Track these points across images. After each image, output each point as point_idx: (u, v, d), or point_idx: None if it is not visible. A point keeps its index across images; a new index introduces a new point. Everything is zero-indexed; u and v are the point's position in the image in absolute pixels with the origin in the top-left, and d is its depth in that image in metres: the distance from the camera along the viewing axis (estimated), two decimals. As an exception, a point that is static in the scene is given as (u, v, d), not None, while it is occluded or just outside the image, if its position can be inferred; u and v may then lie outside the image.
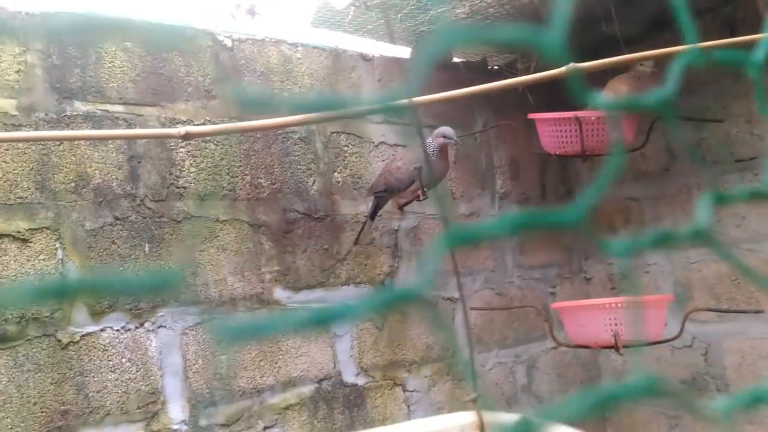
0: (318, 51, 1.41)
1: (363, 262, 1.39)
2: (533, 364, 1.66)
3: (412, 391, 1.42)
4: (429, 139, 1.26)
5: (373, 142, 1.46)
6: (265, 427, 1.19)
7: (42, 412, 0.97)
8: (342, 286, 1.34)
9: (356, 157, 1.43)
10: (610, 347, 1.29)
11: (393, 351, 1.40)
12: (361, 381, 1.34)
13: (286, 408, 1.22)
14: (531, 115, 1.46)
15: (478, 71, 1.64)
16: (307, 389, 1.25)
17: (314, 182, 1.35)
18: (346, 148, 1.42)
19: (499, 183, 1.72)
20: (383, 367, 1.38)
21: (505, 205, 1.71)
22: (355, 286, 1.36)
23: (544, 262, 1.77)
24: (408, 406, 1.40)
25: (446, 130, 1.28)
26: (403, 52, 1.58)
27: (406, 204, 1.45)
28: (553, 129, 1.42)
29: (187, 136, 0.62)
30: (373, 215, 1.31)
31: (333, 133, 1.41)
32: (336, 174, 1.39)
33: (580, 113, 1.36)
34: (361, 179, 1.42)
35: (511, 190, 1.73)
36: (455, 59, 1.67)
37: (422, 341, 1.46)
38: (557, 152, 1.45)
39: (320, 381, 1.28)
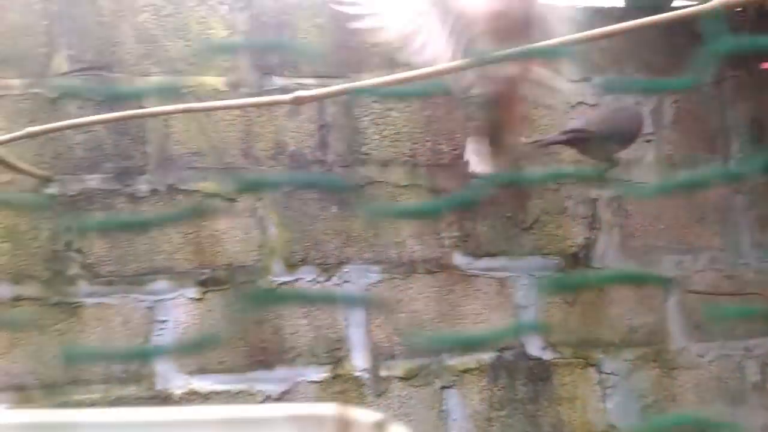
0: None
1: (553, 232, 1.67)
2: (773, 361, 1.77)
3: (609, 374, 1.65)
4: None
5: (568, 103, 1.72)
6: (443, 387, 1.54)
7: (246, 346, 1.44)
8: (527, 256, 1.63)
9: (548, 120, 1.70)
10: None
11: (586, 329, 1.65)
12: (547, 355, 1.61)
13: (465, 371, 1.56)
14: (765, 65, 1.59)
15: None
16: (487, 356, 1.57)
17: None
18: (535, 111, 1.70)
19: (734, 147, 1.85)
20: (574, 344, 1.64)
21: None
22: (542, 257, 1.64)
23: (797, 242, 1.85)
24: (603, 389, 1.64)
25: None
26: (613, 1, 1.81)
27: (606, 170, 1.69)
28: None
29: (296, 101, 0.96)
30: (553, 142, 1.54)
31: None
32: (523, 139, 1.68)
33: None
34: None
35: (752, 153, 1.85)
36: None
37: (624, 322, 1.68)
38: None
39: (502, 350, 1.59)
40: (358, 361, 1.50)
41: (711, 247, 1.79)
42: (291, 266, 1.50)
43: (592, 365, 1.65)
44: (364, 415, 0.79)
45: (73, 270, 1.39)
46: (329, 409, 0.77)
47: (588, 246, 1.70)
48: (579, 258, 1.68)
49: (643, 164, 1.77)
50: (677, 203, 1.78)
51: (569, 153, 1.70)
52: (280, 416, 0.77)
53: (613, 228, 1.73)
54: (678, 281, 1.73)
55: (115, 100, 1.45)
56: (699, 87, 1.82)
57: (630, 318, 1.70)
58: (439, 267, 1.59)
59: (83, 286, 1.39)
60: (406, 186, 1.59)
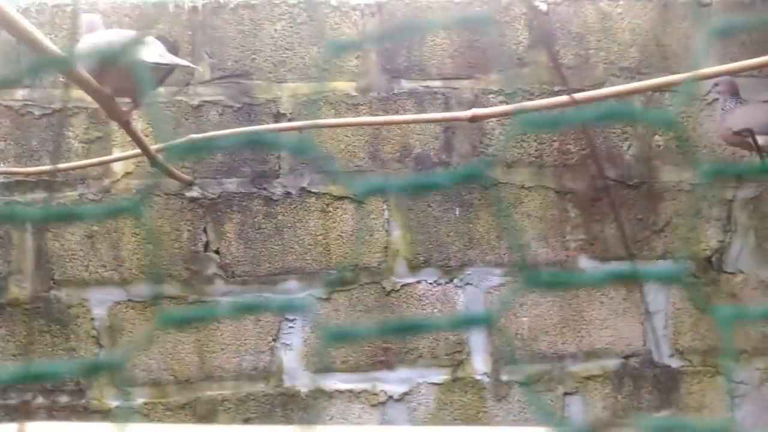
0: (643, 3, 1.63)
1: (685, 235, 1.58)
2: None
3: (738, 383, 1.56)
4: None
5: (705, 100, 1.61)
6: (565, 393, 1.50)
7: (369, 346, 1.46)
8: (657, 259, 1.56)
9: (683, 117, 1.61)
10: None
11: (717, 336, 1.57)
12: (674, 363, 1.54)
13: (588, 378, 1.51)
14: None
15: None
16: (611, 363, 1.52)
17: (630, 147, 1.58)
18: (670, 107, 1.61)
19: None
20: (703, 352, 1.55)
21: None
22: (674, 261, 1.57)
23: None
24: (733, 398, 1.55)
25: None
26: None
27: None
28: None
29: (473, 119, 0.93)
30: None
31: (655, 91, 1.61)
32: (657, 137, 1.60)
33: None
34: (688, 142, 1.59)
35: None
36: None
37: (757, 329, 1.58)
38: None
39: (627, 357, 1.53)
40: (479, 365, 1.49)
41: None
42: (413, 268, 1.50)
43: (722, 374, 1.57)
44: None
45: (211, 270, 1.44)
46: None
47: (721, 250, 1.60)
48: (712, 262, 1.59)
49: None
50: (824, 205, 1.64)
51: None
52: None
53: (749, 230, 1.63)
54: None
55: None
56: None
57: (764, 325, 1.59)
58: (563, 271, 1.55)
59: (219, 285, 1.43)
60: (531, 188, 1.56)
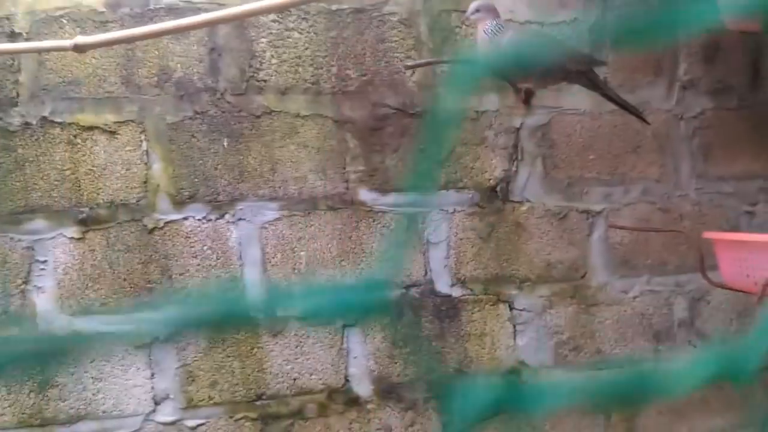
0: None
1: (469, 164, 1.49)
2: (702, 296, 1.62)
3: (521, 310, 1.52)
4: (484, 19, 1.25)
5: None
6: (345, 325, 1.42)
7: (130, 287, 1.32)
8: (440, 190, 1.47)
9: (472, 39, 1.49)
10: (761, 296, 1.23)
11: (500, 265, 1.50)
12: (456, 292, 1.48)
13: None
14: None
15: None
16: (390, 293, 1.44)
17: (413, 73, 1.46)
18: (458, 29, 1.49)
19: (683, 68, 1.62)
20: (485, 280, 1.50)
21: (689, 97, 1.61)
22: (457, 192, 1.48)
23: (743, 172, 1.65)
24: (514, 326, 1.51)
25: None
26: None
27: (529, 98, 1.49)
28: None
29: (77, 48, 0.78)
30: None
31: (442, 11, 1.48)
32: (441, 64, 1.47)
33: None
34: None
35: (701, 76, 1.62)
36: None
37: (542, 257, 1.53)
38: (740, 28, 1.35)
39: (407, 287, 1.46)
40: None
41: (645, 177, 1.60)
42: (178, 204, 1.36)
43: (504, 302, 1.52)
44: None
45: (-61, 211, 1.26)
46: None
47: (507, 179, 1.52)
48: (496, 192, 1.51)
49: (575, 90, 1.56)
50: (611, 132, 1.58)
51: (491, 81, 1.50)
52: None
53: (537, 159, 1.55)
54: (605, 214, 1.56)
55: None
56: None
57: (549, 253, 1.55)
58: (342, 203, 1.44)
59: (-47, 227, 1.27)
60: (307, 116, 1.42)
